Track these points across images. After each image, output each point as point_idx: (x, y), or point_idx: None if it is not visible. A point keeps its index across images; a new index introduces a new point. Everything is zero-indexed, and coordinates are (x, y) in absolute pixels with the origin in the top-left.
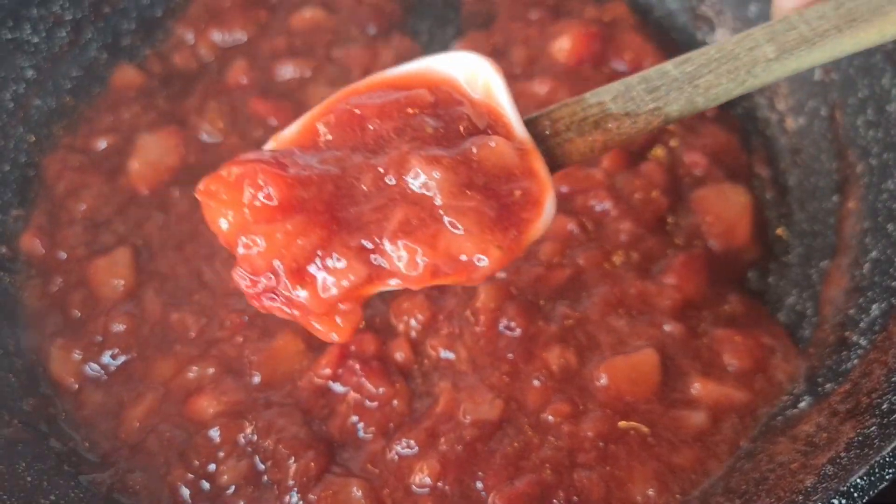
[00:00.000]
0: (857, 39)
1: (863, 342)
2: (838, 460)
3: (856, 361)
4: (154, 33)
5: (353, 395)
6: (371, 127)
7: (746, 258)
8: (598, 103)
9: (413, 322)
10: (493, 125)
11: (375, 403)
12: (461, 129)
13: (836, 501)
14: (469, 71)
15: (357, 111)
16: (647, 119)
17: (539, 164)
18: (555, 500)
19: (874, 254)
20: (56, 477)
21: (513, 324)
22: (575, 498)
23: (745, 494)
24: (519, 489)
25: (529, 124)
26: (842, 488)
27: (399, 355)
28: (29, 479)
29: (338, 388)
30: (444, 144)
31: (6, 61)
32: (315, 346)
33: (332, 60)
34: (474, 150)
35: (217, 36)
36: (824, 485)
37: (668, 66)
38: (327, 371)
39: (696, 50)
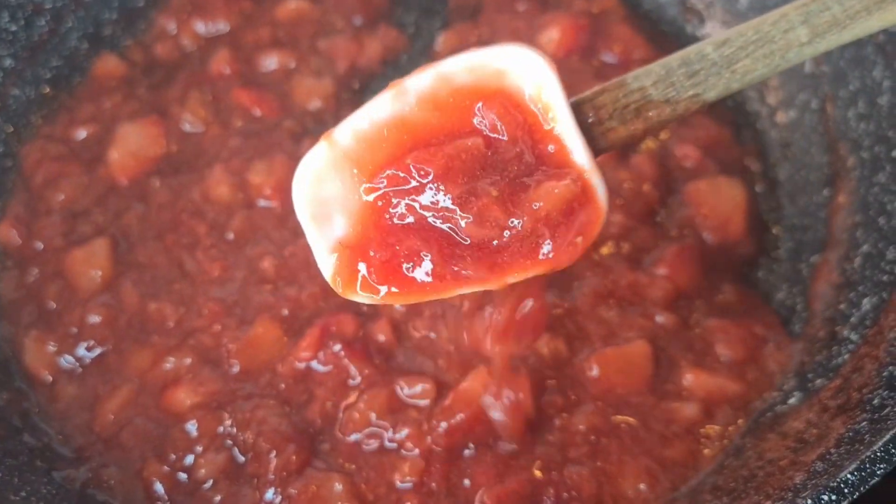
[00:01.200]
0: (884, 19)
1: (853, 337)
2: (828, 456)
3: (846, 357)
4: (136, 23)
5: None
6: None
7: (740, 252)
8: (639, 88)
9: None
10: (542, 139)
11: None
12: (517, 168)
13: (826, 497)
14: (525, 74)
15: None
16: (687, 105)
17: (598, 193)
18: (546, 498)
19: (865, 248)
20: (28, 473)
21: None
22: (566, 495)
23: (734, 492)
24: (509, 487)
25: (574, 110)
26: (832, 484)
27: (381, 337)
28: (0, 474)
29: (318, 368)
30: (506, 201)
31: None
32: (293, 332)
33: (317, 51)
34: (537, 205)
35: (200, 26)
36: (814, 481)
37: (708, 47)
38: (307, 353)
39: (734, 29)
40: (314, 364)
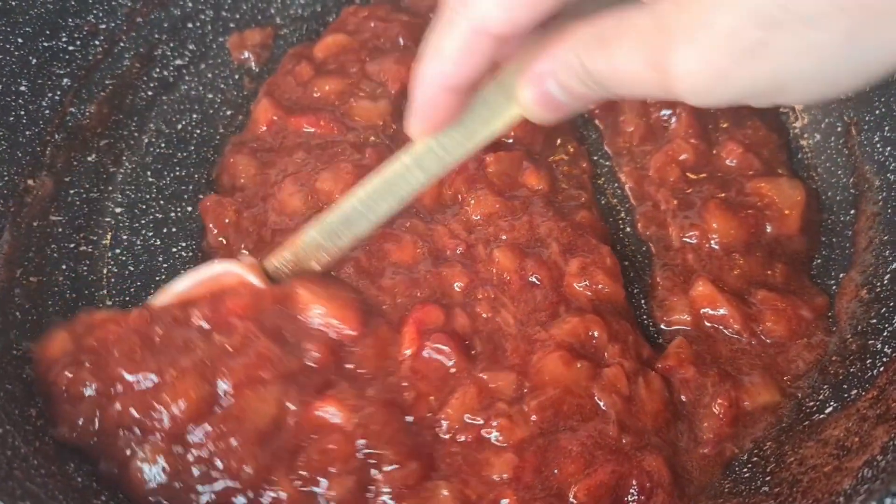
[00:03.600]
0: (474, 146)
1: (887, 350)
2: (875, 463)
3: (881, 369)
4: (185, 43)
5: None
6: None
7: (795, 248)
8: (312, 240)
9: (456, 287)
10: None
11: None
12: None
13: (889, 501)
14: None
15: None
16: (347, 242)
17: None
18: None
19: (895, 265)
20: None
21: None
22: (648, 484)
23: (780, 496)
24: (597, 479)
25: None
26: (893, 489)
27: (461, 324)
28: (79, 479)
29: (422, 363)
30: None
31: (43, 69)
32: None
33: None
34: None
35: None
36: (865, 486)
37: (356, 202)
38: (411, 349)
39: (370, 184)
40: (417, 358)
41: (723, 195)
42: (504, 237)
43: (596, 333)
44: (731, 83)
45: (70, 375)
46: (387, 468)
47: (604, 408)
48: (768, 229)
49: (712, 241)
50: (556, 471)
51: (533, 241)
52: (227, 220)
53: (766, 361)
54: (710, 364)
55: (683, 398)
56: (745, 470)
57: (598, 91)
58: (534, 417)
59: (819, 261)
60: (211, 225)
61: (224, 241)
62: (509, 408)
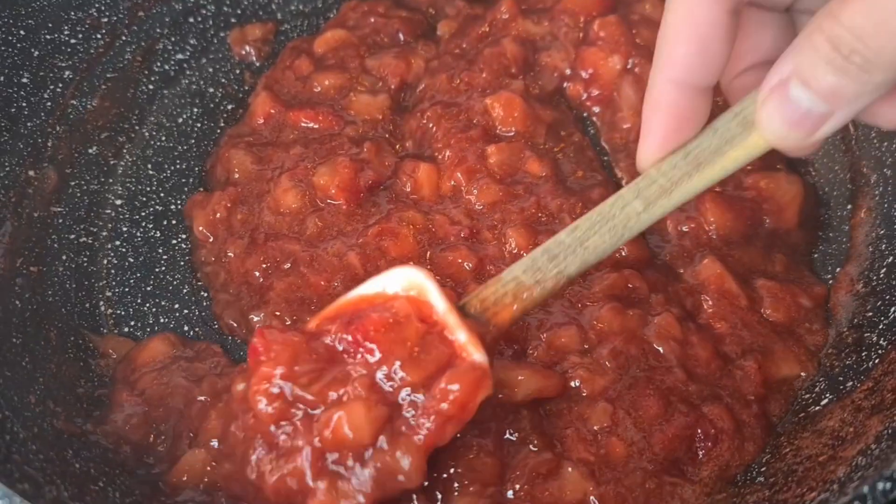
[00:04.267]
0: (704, 180)
1: (882, 342)
2: (869, 451)
3: (876, 361)
4: (187, 38)
5: None
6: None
7: (793, 241)
8: (513, 279)
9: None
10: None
11: None
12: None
13: (881, 486)
14: (405, 284)
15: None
16: (553, 283)
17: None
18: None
19: (890, 259)
20: (103, 465)
21: None
22: (712, 430)
23: (775, 486)
24: (673, 431)
25: (463, 307)
26: (886, 473)
27: None
28: (77, 465)
29: None
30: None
31: (45, 62)
32: None
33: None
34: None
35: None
36: (859, 474)
37: (562, 235)
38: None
39: (583, 217)
40: None
41: (719, 189)
42: (514, 219)
43: (636, 285)
44: None
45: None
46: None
47: (664, 353)
48: (766, 223)
49: (710, 232)
50: (641, 413)
51: (545, 219)
52: (217, 216)
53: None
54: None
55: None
56: None
57: (856, 74)
58: (608, 364)
59: (816, 255)
60: (198, 225)
61: (212, 240)
62: (581, 359)
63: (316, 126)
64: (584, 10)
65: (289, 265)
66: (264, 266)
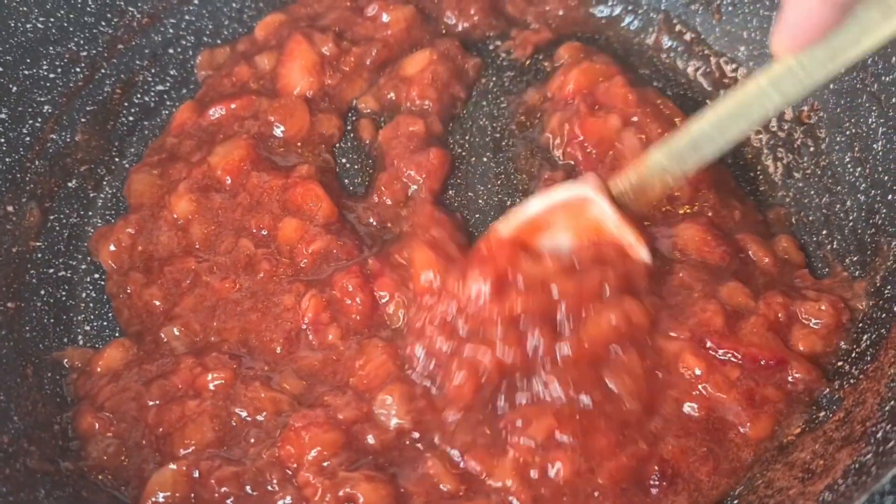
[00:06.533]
0: (839, 66)
1: (854, 371)
2: (836, 487)
3: (848, 390)
4: (167, 69)
5: None
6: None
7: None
8: (658, 164)
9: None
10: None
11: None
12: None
13: None
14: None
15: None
16: (693, 167)
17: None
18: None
19: (864, 285)
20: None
21: None
22: (669, 470)
23: None
24: (621, 462)
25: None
26: None
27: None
28: None
29: None
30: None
31: (24, 97)
32: None
33: None
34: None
35: None
36: None
37: (705, 125)
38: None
39: (720, 106)
40: None
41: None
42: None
43: None
44: None
45: None
46: None
47: None
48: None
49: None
50: None
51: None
52: (123, 245)
53: None
54: None
55: None
56: None
57: None
58: None
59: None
60: (105, 258)
61: (122, 280)
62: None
63: (225, 114)
64: None
65: (189, 281)
66: (164, 293)
